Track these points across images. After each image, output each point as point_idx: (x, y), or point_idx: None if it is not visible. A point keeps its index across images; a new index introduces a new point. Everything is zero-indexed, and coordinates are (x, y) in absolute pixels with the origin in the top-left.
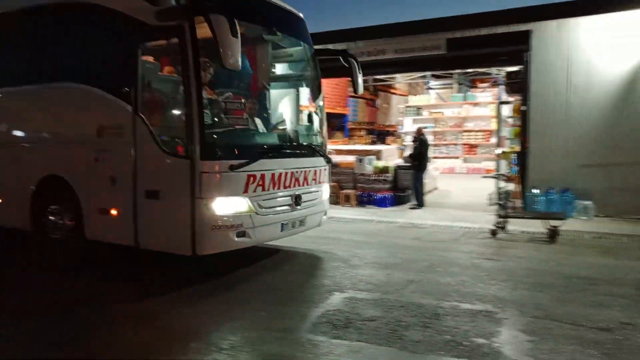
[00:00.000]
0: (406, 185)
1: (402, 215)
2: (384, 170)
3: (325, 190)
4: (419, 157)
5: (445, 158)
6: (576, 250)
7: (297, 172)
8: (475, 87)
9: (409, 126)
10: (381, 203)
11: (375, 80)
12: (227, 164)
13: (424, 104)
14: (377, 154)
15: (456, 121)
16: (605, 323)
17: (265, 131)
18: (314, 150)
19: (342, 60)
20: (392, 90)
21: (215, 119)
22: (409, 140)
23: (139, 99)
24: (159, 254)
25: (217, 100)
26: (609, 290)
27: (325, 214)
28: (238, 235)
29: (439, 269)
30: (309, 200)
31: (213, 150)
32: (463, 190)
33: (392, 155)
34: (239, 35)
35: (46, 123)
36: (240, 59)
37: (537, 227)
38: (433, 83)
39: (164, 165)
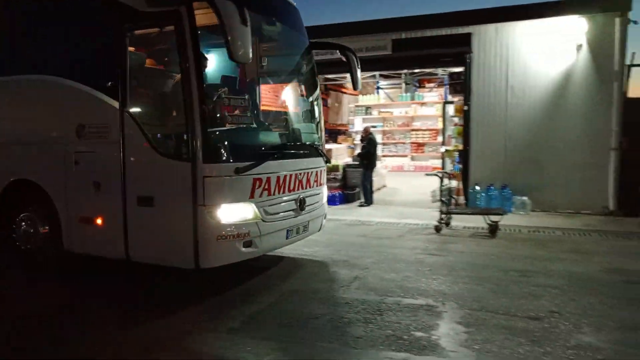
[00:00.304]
0: (355, 184)
1: (350, 213)
2: (334, 168)
3: (324, 193)
4: (367, 156)
5: (394, 156)
6: (513, 244)
7: (300, 174)
8: (423, 87)
9: (359, 125)
10: (330, 201)
11: (326, 79)
12: (232, 167)
13: (373, 103)
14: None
15: (404, 120)
16: (535, 312)
17: (269, 129)
18: (316, 150)
19: (339, 54)
20: (344, 90)
21: (218, 117)
22: (359, 139)
23: (128, 94)
24: (147, 266)
25: (220, 96)
26: (541, 282)
27: (325, 217)
28: (245, 245)
29: (383, 265)
30: (311, 204)
31: (217, 152)
32: (410, 188)
33: (342, 154)
34: (249, 23)
35: (15, 121)
36: (250, 51)
37: (479, 222)
38: (382, 83)
39: (158, 169)
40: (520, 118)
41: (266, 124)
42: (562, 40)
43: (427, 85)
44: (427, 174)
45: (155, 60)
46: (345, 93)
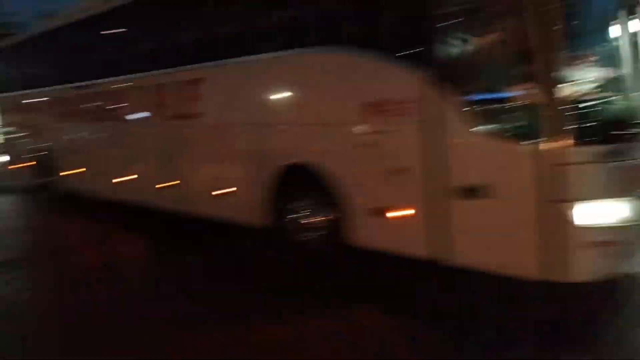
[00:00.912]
0: None
1: None
2: None
3: None
4: None
5: None
6: None
7: None
8: None
9: None
10: None
11: None
12: (600, 151)
13: None
14: None
15: None
16: None
17: (628, 99)
18: None
19: None
20: None
21: (578, 83)
22: None
23: (442, 63)
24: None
25: (578, 57)
26: None
27: None
28: (615, 257)
29: None
30: None
31: (580, 131)
32: None
33: None
34: None
35: (291, 100)
36: None
37: None
38: None
39: (491, 154)
40: None
41: (623, 91)
42: None
43: None
44: None
45: (474, 16)
46: None
